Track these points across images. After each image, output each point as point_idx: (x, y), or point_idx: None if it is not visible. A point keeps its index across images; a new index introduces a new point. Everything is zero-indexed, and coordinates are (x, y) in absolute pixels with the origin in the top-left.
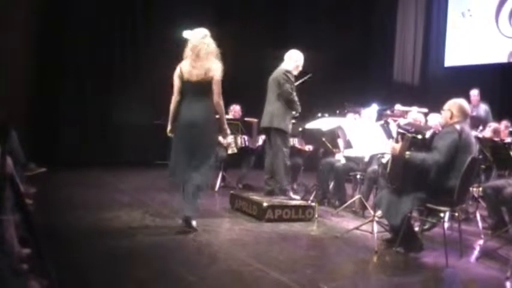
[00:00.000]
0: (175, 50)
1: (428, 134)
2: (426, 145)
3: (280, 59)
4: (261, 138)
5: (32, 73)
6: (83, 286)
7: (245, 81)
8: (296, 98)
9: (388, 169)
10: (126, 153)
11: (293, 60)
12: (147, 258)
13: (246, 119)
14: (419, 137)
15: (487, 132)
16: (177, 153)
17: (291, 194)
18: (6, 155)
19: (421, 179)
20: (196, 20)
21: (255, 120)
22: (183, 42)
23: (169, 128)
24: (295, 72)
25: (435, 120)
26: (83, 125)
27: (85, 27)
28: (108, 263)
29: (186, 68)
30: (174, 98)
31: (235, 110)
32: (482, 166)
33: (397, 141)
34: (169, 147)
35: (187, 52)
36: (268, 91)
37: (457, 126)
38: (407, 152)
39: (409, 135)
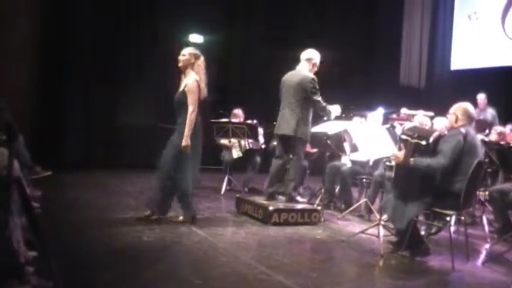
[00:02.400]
0: (180, 53)
1: (432, 138)
2: (430, 150)
3: (285, 62)
4: (263, 138)
5: (36, 76)
6: (89, 287)
7: (249, 83)
8: (325, 104)
9: (393, 175)
10: (130, 155)
11: (311, 62)
12: (152, 260)
13: (249, 121)
14: (423, 142)
15: (493, 136)
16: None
17: (298, 198)
18: (13, 158)
19: (427, 184)
20: (201, 23)
21: (255, 121)
22: (189, 44)
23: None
24: (314, 71)
25: (441, 123)
26: (87, 127)
27: (89, 29)
28: (113, 264)
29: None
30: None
31: (239, 114)
32: (489, 170)
33: (399, 149)
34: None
35: (203, 65)
36: (286, 94)
37: (462, 130)
38: (412, 159)
39: (412, 140)
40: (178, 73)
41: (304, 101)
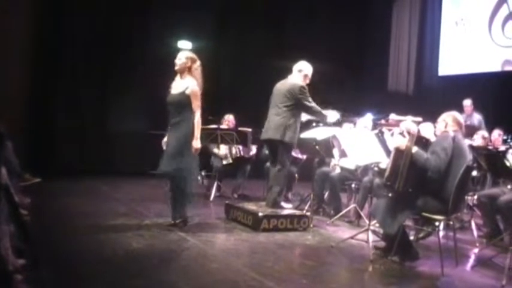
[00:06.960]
0: (172, 59)
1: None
2: (427, 148)
3: (277, 70)
4: (255, 147)
5: (27, 81)
6: None
7: (239, 91)
8: (319, 109)
9: (388, 169)
10: (121, 162)
11: (302, 74)
12: (142, 268)
13: (240, 128)
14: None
15: (478, 141)
16: None
17: (283, 204)
18: (1, 165)
19: (422, 180)
20: (193, 30)
21: (249, 129)
22: (180, 51)
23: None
24: (306, 83)
25: (427, 129)
26: (77, 134)
27: (81, 37)
28: (103, 272)
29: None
30: None
31: (229, 119)
32: (477, 174)
33: (403, 136)
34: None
35: (200, 69)
36: (274, 101)
37: (451, 132)
38: (414, 147)
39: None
40: (169, 79)
41: (292, 108)
